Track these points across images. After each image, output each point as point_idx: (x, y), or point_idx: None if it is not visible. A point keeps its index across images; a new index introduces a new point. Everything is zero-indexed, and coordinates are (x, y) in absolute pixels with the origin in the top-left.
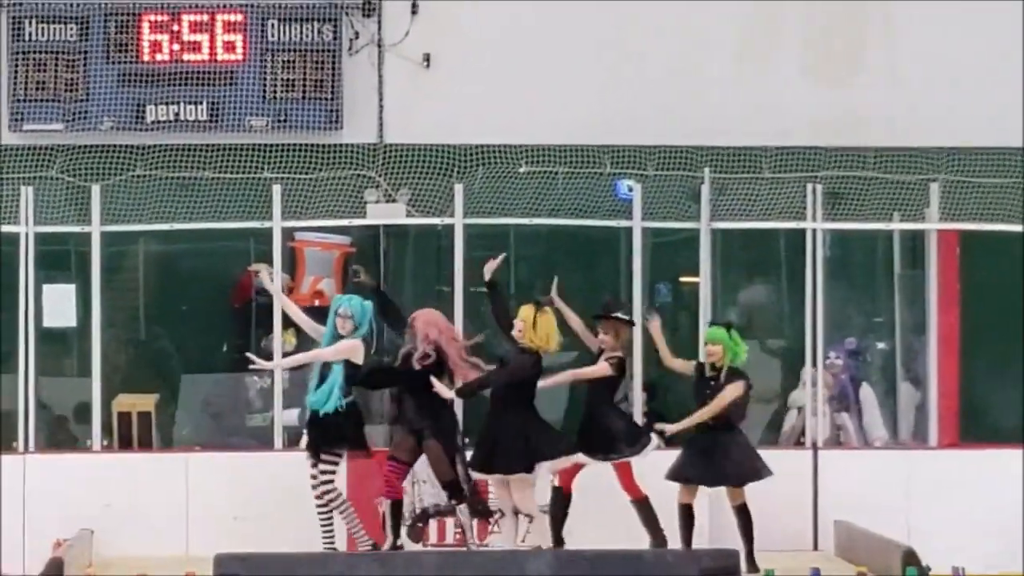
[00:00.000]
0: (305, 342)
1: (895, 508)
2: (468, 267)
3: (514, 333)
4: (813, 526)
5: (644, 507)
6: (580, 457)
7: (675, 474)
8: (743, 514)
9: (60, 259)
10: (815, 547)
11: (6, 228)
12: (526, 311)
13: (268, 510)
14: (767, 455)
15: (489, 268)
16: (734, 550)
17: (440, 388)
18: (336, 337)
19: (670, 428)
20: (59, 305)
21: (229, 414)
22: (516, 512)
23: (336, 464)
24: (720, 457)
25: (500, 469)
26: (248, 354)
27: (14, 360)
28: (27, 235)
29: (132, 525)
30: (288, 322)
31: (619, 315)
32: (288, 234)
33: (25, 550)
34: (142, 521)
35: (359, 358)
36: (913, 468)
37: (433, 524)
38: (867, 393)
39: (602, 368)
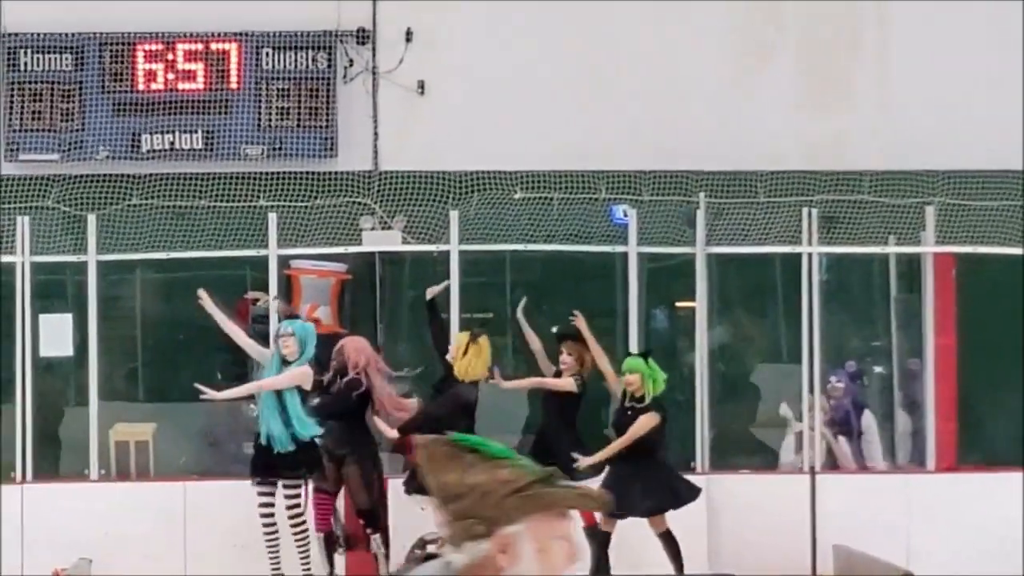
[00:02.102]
0: None
1: (894, 532)
2: (464, 294)
3: (448, 357)
4: (812, 550)
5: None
6: None
7: None
8: (667, 540)
9: (57, 288)
10: (814, 572)
11: (2, 258)
12: (461, 338)
13: None
14: (766, 480)
15: (432, 290)
16: None
17: (383, 427)
18: (283, 361)
19: (585, 461)
20: (56, 334)
21: (226, 442)
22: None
23: (300, 487)
24: (632, 487)
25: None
26: (197, 385)
27: (12, 390)
28: (23, 265)
29: (130, 554)
30: None
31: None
32: (284, 262)
33: None
34: (140, 550)
35: (308, 384)
36: (911, 492)
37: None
38: (869, 420)
39: (566, 383)
